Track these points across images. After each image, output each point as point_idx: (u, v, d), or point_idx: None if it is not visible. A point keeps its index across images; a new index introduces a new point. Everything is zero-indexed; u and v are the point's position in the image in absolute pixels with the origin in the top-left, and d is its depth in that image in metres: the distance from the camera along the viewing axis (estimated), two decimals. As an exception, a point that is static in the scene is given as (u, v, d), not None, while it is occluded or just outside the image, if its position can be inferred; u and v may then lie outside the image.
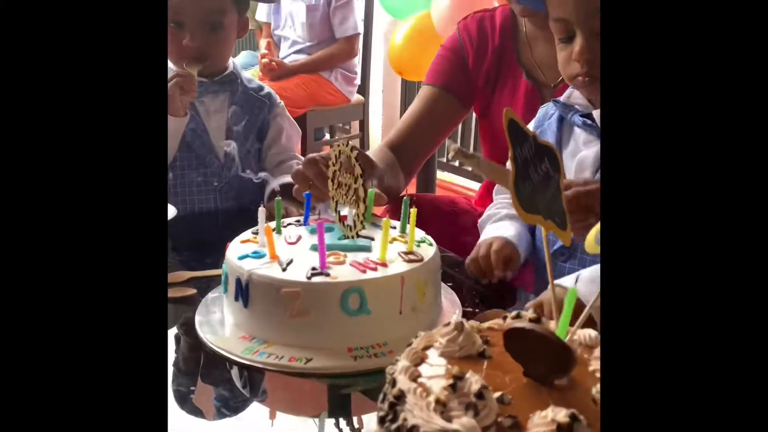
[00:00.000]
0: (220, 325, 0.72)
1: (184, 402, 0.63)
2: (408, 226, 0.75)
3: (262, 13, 3.01)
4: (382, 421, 0.46)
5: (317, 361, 0.64)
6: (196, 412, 0.63)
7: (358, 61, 2.88)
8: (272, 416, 0.64)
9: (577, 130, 0.91)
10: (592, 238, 0.55)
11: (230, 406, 0.64)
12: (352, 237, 0.74)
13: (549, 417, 0.40)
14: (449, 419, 0.41)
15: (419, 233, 0.78)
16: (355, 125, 3.22)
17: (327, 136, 3.96)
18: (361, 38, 2.85)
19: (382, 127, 3.69)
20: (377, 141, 3.59)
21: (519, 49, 1.18)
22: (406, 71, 2.30)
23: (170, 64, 1.21)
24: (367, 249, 0.72)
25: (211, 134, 1.21)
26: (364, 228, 0.73)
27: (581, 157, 0.88)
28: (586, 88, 0.86)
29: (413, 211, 0.74)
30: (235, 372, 0.67)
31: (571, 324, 0.50)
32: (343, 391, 0.63)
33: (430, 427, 0.41)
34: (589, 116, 0.88)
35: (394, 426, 0.44)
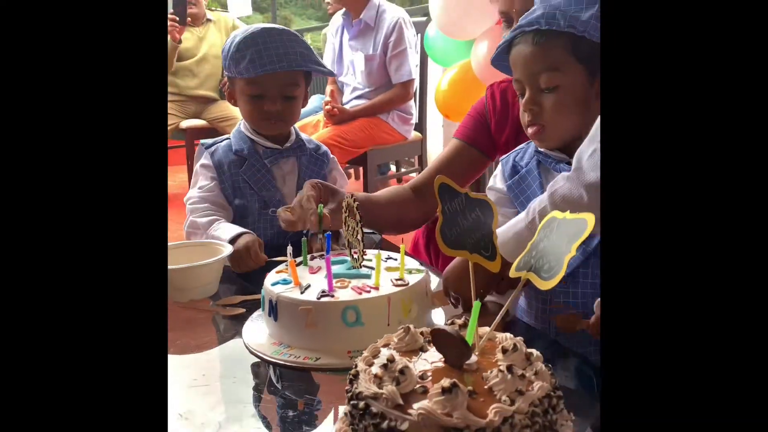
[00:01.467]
0: (260, 334, 0.97)
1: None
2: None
3: (327, 61, 3.34)
4: (347, 392, 0.68)
5: (324, 360, 0.87)
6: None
7: (414, 102, 3.14)
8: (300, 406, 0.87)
9: (554, 173, 1.07)
10: (513, 267, 0.76)
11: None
12: (357, 267, 0.97)
13: (441, 384, 0.61)
14: (381, 387, 0.63)
15: (414, 264, 1.00)
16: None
17: (393, 169, 4.22)
18: (417, 82, 3.11)
19: (444, 159, 3.91)
20: (438, 173, 3.82)
21: None
22: (452, 114, 2.53)
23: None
24: (367, 276, 0.95)
25: (285, 197, 1.47)
26: (364, 260, 0.97)
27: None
28: (536, 137, 1.04)
29: (402, 246, 0.96)
30: (271, 369, 0.91)
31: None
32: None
33: (369, 391, 0.63)
34: (569, 164, 1.01)
35: (350, 394, 0.66)
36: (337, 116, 2.93)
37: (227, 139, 1.51)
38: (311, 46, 1.50)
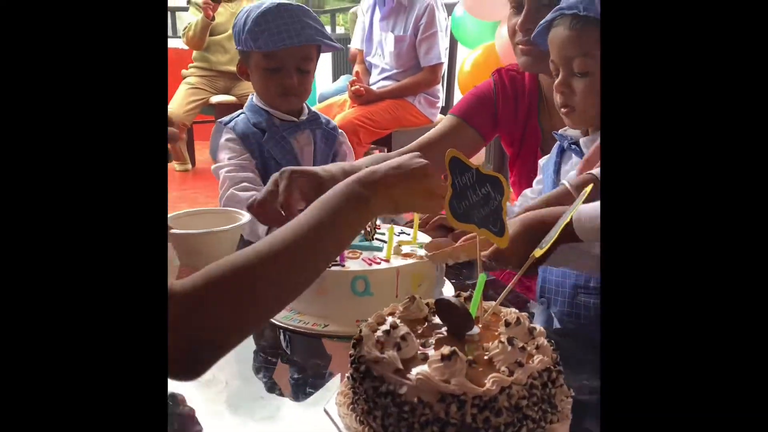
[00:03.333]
0: (272, 301, 0.99)
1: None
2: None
3: (356, 40, 3.33)
4: (350, 356, 0.70)
5: (332, 327, 0.89)
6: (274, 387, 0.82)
7: (441, 85, 3.12)
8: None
9: (568, 152, 1.14)
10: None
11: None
12: (369, 240, 0.99)
13: (440, 351, 0.62)
14: (382, 352, 0.64)
15: (427, 239, 1.01)
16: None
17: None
18: (445, 66, 3.09)
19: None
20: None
21: (540, 112, 1.38)
22: (477, 97, 2.52)
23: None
24: (378, 249, 0.96)
25: (303, 164, 1.49)
26: (376, 233, 0.98)
27: (570, 175, 1.08)
28: (567, 117, 1.08)
29: (416, 223, 0.97)
30: (281, 334, 0.93)
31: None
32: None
33: (370, 356, 0.65)
34: (576, 143, 1.10)
35: (353, 357, 0.68)
36: (363, 96, 2.93)
37: (242, 113, 1.53)
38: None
